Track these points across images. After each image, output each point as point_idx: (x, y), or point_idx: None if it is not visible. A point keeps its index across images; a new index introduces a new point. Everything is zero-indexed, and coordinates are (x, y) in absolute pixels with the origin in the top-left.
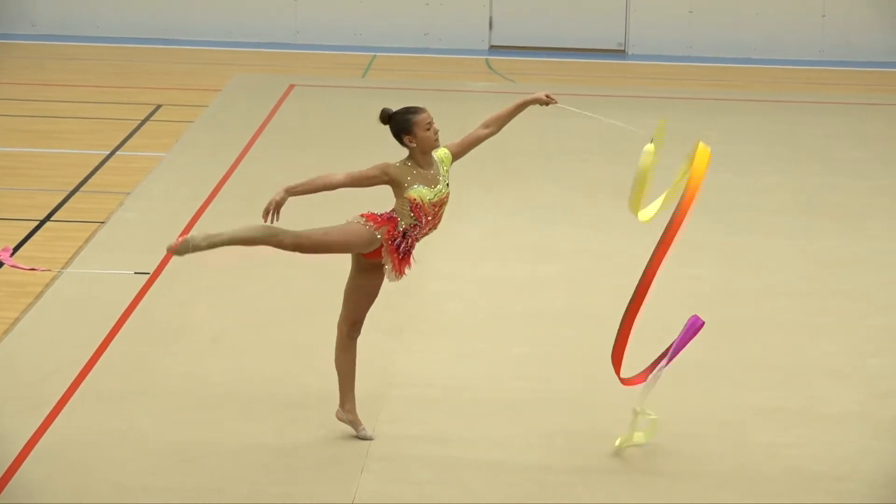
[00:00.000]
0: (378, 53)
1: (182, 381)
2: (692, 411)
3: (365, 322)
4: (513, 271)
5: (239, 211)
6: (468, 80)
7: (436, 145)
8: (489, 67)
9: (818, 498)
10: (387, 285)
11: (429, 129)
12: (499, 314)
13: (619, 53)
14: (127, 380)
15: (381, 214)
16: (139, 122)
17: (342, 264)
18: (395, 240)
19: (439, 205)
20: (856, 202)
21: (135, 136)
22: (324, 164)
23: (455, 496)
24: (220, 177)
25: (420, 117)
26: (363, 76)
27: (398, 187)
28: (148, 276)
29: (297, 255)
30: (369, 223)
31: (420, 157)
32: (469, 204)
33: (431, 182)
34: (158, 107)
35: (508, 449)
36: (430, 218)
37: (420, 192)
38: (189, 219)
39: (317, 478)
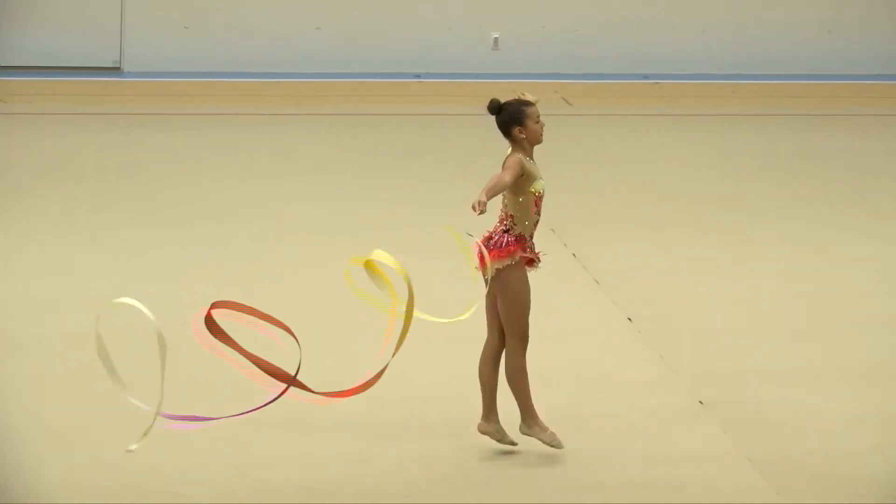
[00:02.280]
0: None
1: None
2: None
3: None
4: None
5: None
6: None
7: (541, 140)
8: None
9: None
10: None
11: (538, 123)
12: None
13: (115, 71)
14: None
15: (499, 244)
16: None
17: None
18: (526, 251)
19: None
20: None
21: None
22: None
23: None
24: None
25: (532, 109)
26: None
27: (527, 181)
28: None
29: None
30: (505, 260)
31: (529, 149)
32: None
33: (539, 174)
34: None
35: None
36: (540, 209)
37: (540, 184)
38: None
39: None
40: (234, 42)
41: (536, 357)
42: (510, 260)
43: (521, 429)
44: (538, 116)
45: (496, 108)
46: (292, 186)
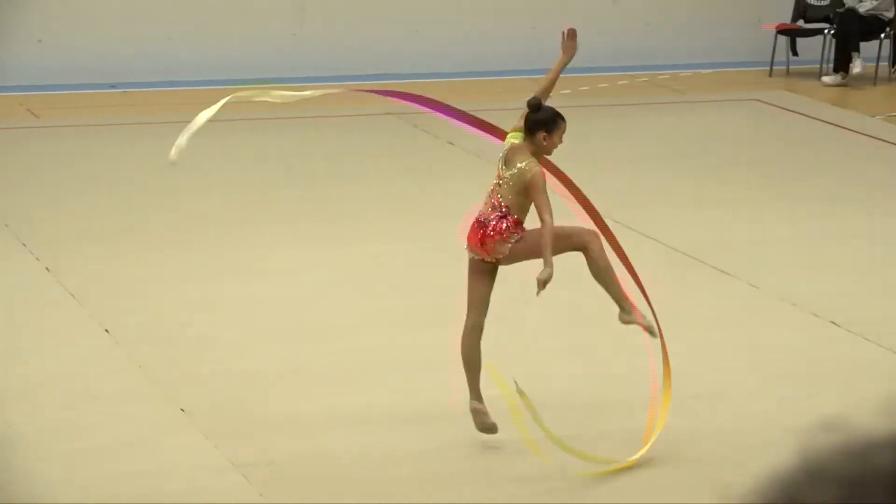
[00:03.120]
0: None
1: None
2: None
3: None
4: None
5: None
6: None
7: (551, 153)
8: None
9: None
10: None
11: (561, 140)
12: None
13: None
14: None
15: (499, 230)
16: None
17: None
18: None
19: None
20: None
21: None
22: None
23: None
24: None
25: (564, 125)
26: None
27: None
28: None
29: None
30: (508, 242)
31: (539, 155)
32: None
33: None
34: None
35: None
36: None
37: None
38: None
39: None
40: None
41: (17, 374)
42: (512, 240)
43: (620, 317)
44: (563, 135)
45: (536, 106)
46: None
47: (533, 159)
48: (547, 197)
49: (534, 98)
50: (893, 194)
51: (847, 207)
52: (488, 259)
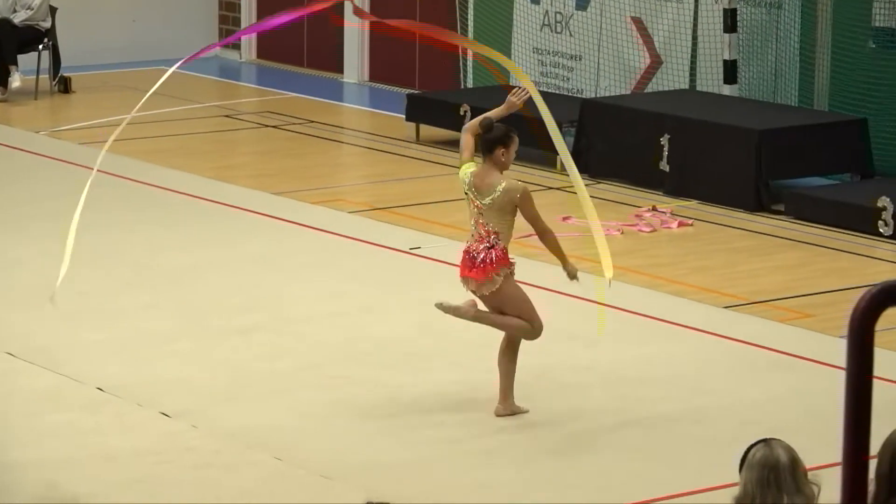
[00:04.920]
0: None
1: None
2: None
3: None
4: None
5: None
6: None
7: (508, 167)
8: None
9: None
10: None
11: (515, 155)
12: None
13: None
14: None
15: (488, 260)
16: None
17: None
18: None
19: None
20: None
21: None
22: None
23: None
24: None
25: (517, 139)
26: None
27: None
28: None
29: None
30: (499, 275)
31: (501, 170)
32: None
33: None
34: None
35: None
36: None
37: None
38: None
39: None
40: None
41: None
42: (503, 274)
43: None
44: (516, 149)
45: (489, 127)
46: None
47: (507, 177)
48: (535, 210)
49: (486, 119)
50: (66, 210)
51: (22, 229)
52: (477, 293)
